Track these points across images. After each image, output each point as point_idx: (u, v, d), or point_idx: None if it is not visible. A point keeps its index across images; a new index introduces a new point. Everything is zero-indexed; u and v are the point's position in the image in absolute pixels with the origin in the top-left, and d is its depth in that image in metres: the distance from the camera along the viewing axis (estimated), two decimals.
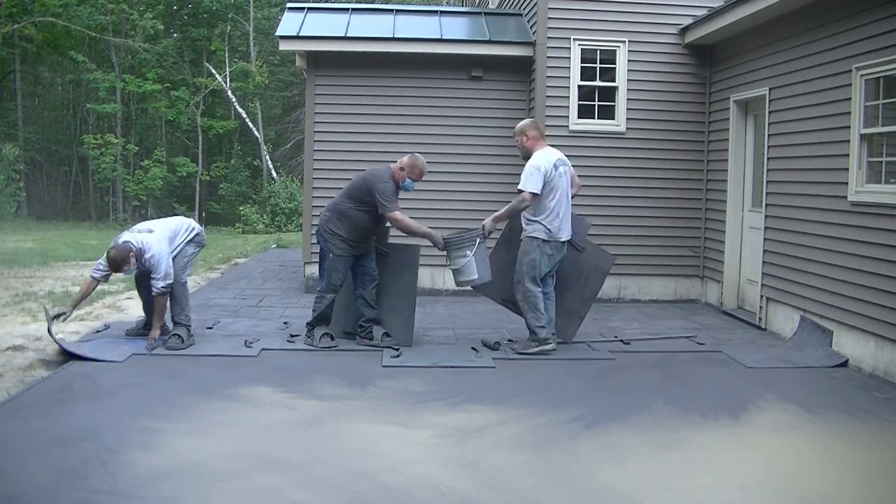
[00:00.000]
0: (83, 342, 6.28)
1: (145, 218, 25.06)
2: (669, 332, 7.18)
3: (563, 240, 6.23)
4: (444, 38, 9.02)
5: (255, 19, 27.00)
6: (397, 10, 9.85)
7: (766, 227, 7.29)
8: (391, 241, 6.72)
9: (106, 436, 4.15)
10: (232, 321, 7.30)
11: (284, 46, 9.11)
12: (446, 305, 8.51)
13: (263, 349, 6.20)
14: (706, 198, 8.79)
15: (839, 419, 4.70)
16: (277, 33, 9.17)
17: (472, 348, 6.37)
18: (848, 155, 6.01)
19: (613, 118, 8.73)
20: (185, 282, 6.41)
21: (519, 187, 6.24)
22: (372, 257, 6.47)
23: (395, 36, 8.99)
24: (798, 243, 6.71)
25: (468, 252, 6.00)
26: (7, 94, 27.36)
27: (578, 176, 8.66)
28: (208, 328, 6.94)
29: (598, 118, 8.72)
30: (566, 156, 8.60)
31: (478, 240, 6.03)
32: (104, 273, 6.03)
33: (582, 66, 8.67)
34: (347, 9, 9.80)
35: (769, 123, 7.27)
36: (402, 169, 6.25)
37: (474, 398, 5.05)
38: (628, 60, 8.65)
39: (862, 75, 5.86)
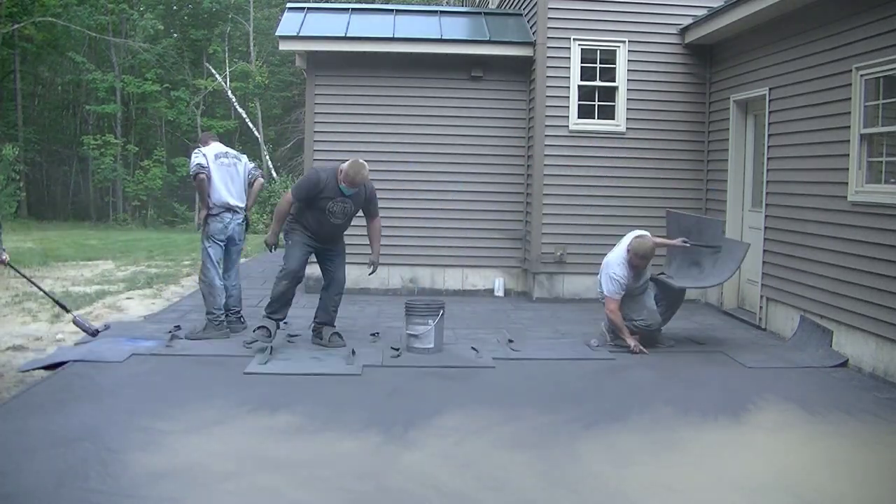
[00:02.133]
0: (83, 343, 6.29)
1: (146, 218, 25.09)
2: (669, 332, 7.17)
3: None
4: (444, 38, 9.02)
5: (255, 19, 26.99)
6: (397, 10, 9.85)
7: (766, 227, 7.29)
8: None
9: (106, 436, 4.15)
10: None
11: (284, 46, 9.11)
12: (447, 306, 8.48)
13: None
14: (706, 198, 8.78)
15: (839, 419, 4.69)
16: (277, 33, 9.18)
17: (472, 348, 6.37)
18: (848, 155, 6.00)
19: (613, 118, 8.73)
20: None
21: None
22: (335, 260, 6.42)
23: (395, 36, 8.99)
24: (798, 243, 6.71)
25: (430, 322, 6.12)
26: (7, 94, 27.35)
27: (578, 176, 8.73)
28: None
29: (598, 118, 8.73)
30: (566, 155, 8.68)
31: (441, 311, 6.19)
32: None
33: (582, 66, 8.66)
34: (347, 9, 9.80)
35: (769, 123, 7.27)
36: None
37: (474, 398, 5.05)
38: (628, 60, 8.65)
39: (862, 75, 5.86)
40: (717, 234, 6.68)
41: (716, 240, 6.62)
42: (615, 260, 6.29)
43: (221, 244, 6.66)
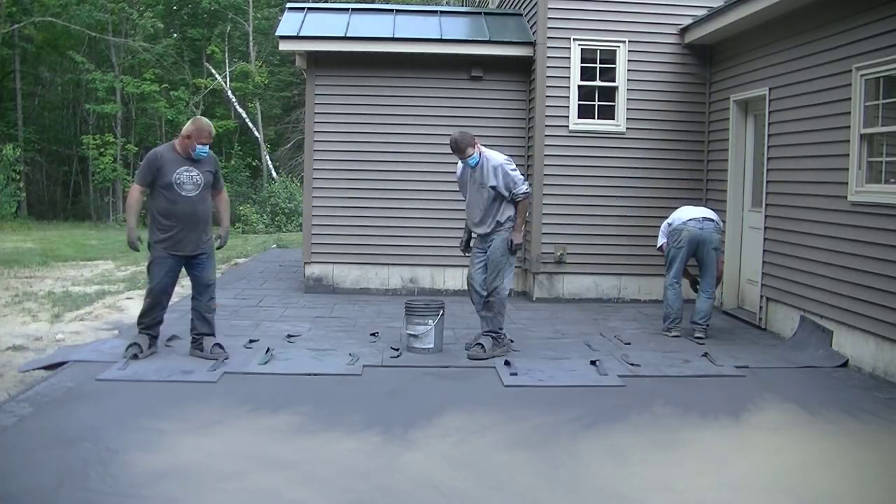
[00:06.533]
0: (82, 344, 6.29)
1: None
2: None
3: None
4: (444, 38, 9.02)
5: (255, 19, 26.99)
6: (397, 10, 9.85)
7: (766, 227, 7.29)
8: None
9: (106, 436, 4.15)
10: (231, 321, 7.29)
11: (284, 46, 9.11)
12: (447, 306, 8.49)
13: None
14: (706, 198, 8.78)
15: (839, 419, 4.70)
16: (277, 33, 9.17)
17: None
18: (848, 155, 6.00)
19: (613, 118, 8.73)
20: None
21: None
22: (204, 264, 5.86)
23: (395, 36, 8.99)
24: (798, 243, 6.71)
25: (430, 322, 6.14)
26: (7, 94, 27.33)
27: (578, 176, 8.73)
28: None
29: (598, 118, 8.72)
30: (566, 155, 8.68)
31: (441, 311, 6.21)
32: None
33: (582, 66, 8.66)
34: (347, 9, 9.80)
35: (769, 123, 7.27)
36: (188, 137, 5.66)
37: (474, 398, 5.05)
38: (628, 60, 8.65)
39: (862, 75, 5.86)
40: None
41: None
42: None
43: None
